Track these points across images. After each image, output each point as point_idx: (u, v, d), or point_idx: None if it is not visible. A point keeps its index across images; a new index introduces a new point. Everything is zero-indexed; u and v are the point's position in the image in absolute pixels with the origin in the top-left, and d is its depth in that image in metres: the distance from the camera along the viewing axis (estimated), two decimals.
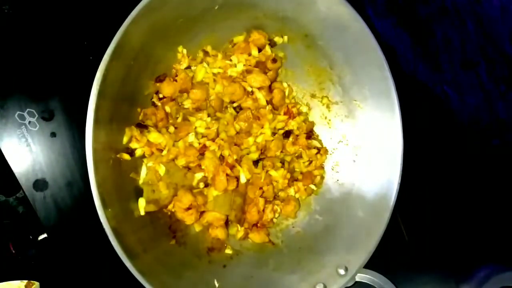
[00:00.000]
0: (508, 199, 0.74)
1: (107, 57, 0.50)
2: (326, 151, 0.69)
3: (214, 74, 0.65)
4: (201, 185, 0.63)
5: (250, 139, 0.64)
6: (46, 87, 0.64)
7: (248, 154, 0.65)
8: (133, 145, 0.59)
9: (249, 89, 0.65)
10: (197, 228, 0.63)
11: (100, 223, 0.50)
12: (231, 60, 0.65)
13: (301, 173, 0.69)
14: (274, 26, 0.65)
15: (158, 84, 0.62)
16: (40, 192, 0.63)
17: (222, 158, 0.62)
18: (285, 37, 0.66)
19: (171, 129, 0.62)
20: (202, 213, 0.63)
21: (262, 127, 0.65)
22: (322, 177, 0.69)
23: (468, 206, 0.74)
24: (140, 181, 0.59)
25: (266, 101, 0.66)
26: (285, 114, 0.67)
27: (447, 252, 0.71)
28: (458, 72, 0.76)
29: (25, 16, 0.65)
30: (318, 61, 0.67)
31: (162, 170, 0.60)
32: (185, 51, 0.64)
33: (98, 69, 0.50)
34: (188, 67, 0.65)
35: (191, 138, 0.62)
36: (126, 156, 0.57)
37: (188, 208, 0.61)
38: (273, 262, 0.64)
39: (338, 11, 0.58)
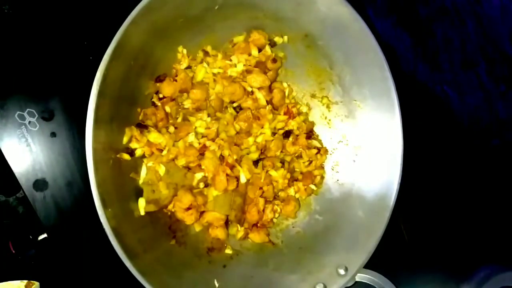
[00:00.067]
0: (508, 199, 0.74)
1: (107, 57, 0.50)
2: (326, 151, 0.69)
3: (214, 74, 0.65)
4: (201, 185, 0.63)
5: (250, 139, 0.64)
6: (46, 87, 0.64)
7: (248, 154, 0.65)
8: (133, 145, 0.59)
9: (249, 89, 0.65)
10: (197, 228, 0.63)
11: (100, 223, 0.50)
12: (231, 60, 0.65)
13: (301, 173, 0.69)
14: (274, 26, 0.65)
15: (158, 84, 0.62)
16: (40, 192, 0.63)
17: (222, 158, 0.62)
18: (285, 37, 0.66)
19: (171, 129, 0.62)
20: (202, 213, 0.63)
21: (262, 127, 0.65)
22: (322, 177, 0.69)
23: (468, 206, 0.74)
24: (140, 181, 0.59)
25: (266, 101, 0.66)
26: (285, 114, 0.67)
27: (447, 252, 0.71)
28: (458, 72, 0.76)
29: (25, 16, 0.65)
30: (318, 61, 0.67)
31: (162, 170, 0.60)
32: (185, 51, 0.64)
33: (98, 69, 0.50)
34: (188, 67, 0.65)
35: (191, 138, 0.62)
36: (126, 156, 0.57)
37: (188, 208, 0.61)
38: (273, 262, 0.64)
39: (338, 11, 0.58)
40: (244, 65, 0.65)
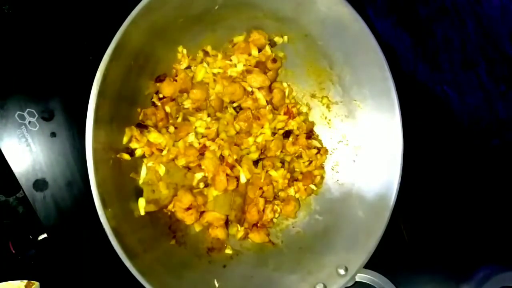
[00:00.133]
0: (508, 199, 0.74)
1: (107, 57, 0.50)
2: (326, 151, 0.69)
3: (214, 74, 0.65)
4: (201, 185, 0.63)
5: (250, 139, 0.64)
6: (46, 87, 0.64)
7: (248, 154, 0.65)
8: (133, 145, 0.59)
9: (249, 89, 0.65)
10: (197, 228, 0.63)
11: (100, 223, 0.50)
12: (231, 60, 0.65)
13: (301, 173, 0.69)
14: (274, 26, 0.65)
15: (158, 84, 0.62)
16: (40, 192, 0.63)
17: (222, 158, 0.62)
18: (285, 37, 0.66)
19: (171, 129, 0.62)
20: (202, 213, 0.63)
21: (262, 127, 0.65)
22: (322, 177, 0.69)
23: (468, 206, 0.74)
24: (140, 181, 0.59)
25: (266, 101, 0.66)
26: (285, 114, 0.67)
27: (447, 252, 0.71)
28: (458, 72, 0.76)
29: (25, 16, 0.65)
30: (318, 61, 0.67)
31: (162, 170, 0.60)
32: (185, 51, 0.64)
33: (98, 69, 0.50)
34: (188, 67, 0.65)
35: (191, 138, 0.62)
36: (126, 156, 0.57)
37: (188, 208, 0.61)
38: (273, 262, 0.64)
39: (338, 11, 0.58)
40: (244, 65, 0.65)
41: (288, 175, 0.67)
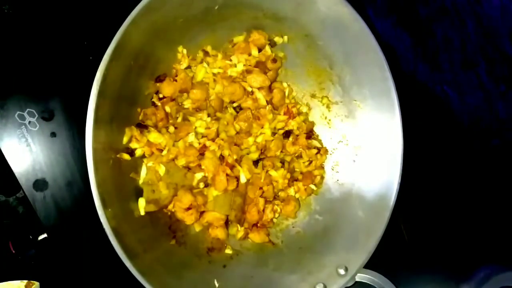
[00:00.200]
0: (508, 199, 0.74)
1: (107, 57, 0.50)
2: (326, 151, 0.69)
3: (214, 74, 0.65)
4: (201, 185, 0.63)
5: (250, 139, 0.64)
6: (46, 87, 0.64)
7: (248, 154, 0.65)
8: (133, 145, 0.59)
9: (249, 89, 0.65)
10: (197, 228, 0.63)
11: (100, 223, 0.50)
12: (231, 60, 0.65)
13: (301, 173, 0.69)
14: (274, 26, 0.65)
15: (158, 84, 0.62)
16: (40, 192, 0.63)
17: (222, 158, 0.62)
18: (285, 37, 0.66)
19: (171, 129, 0.62)
20: (202, 213, 0.63)
21: (262, 127, 0.65)
22: (322, 177, 0.69)
23: (468, 206, 0.74)
24: (140, 181, 0.59)
25: (266, 101, 0.66)
26: (285, 114, 0.67)
27: (447, 252, 0.71)
28: (458, 72, 0.76)
29: (25, 16, 0.65)
30: (318, 61, 0.67)
31: (162, 170, 0.60)
32: (185, 51, 0.64)
33: (98, 69, 0.50)
34: (188, 67, 0.65)
35: (191, 138, 0.62)
36: (126, 156, 0.57)
37: (188, 208, 0.61)
38: (273, 262, 0.64)
39: (338, 11, 0.58)
40: (244, 65, 0.65)
41: (288, 175, 0.67)
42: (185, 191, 0.60)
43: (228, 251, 0.64)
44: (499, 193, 0.75)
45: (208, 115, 0.64)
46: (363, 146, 0.66)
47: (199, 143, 0.62)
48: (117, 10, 0.54)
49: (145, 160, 0.60)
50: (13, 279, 0.60)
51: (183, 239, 0.62)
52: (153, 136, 0.59)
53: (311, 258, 0.63)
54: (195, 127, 0.62)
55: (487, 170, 0.76)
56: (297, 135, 0.68)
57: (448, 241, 0.72)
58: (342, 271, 0.58)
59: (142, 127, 0.59)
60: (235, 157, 0.62)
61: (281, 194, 0.68)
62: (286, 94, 0.68)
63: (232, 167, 0.62)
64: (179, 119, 0.63)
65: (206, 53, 0.65)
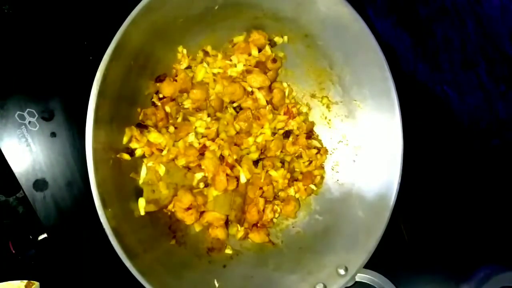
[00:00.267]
0: (508, 199, 0.74)
1: (107, 57, 0.50)
2: (326, 151, 0.69)
3: (214, 74, 0.65)
4: (201, 185, 0.63)
5: (250, 139, 0.64)
6: (46, 87, 0.64)
7: (248, 154, 0.65)
8: (133, 145, 0.59)
9: (249, 89, 0.65)
10: (197, 228, 0.63)
11: (100, 223, 0.50)
12: (231, 60, 0.65)
13: (301, 173, 0.69)
14: (274, 26, 0.65)
15: (158, 84, 0.62)
16: (40, 192, 0.63)
17: (222, 158, 0.62)
18: (285, 37, 0.66)
19: (171, 129, 0.62)
20: (202, 213, 0.63)
21: (262, 127, 0.65)
22: (322, 177, 0.69)
23: (468, 206, 0.74)
24: (140, 181, 0.59)
25: (266, 101, 0.66)
26: (285, 114, 0.67)
27: (447, 252, 0.71)
28: (458, 72, 0.76)
29: (25, 16, 0.65)
30: (318, 61, 0.67)
31: (162, 170, 0.60)
32: (185, 51, 0.64)
33: (98, 69, 0.50)
34: (188, 67, 0.65)
35: (191, 138, 0.62)
36: (126, 156, 0.57)
37: (188, 208, 0.61)
38: (273, 262, 0.64)
39: (338, 11, 0.58)
40: (244, 65, 0.65)
41: (288, 175, 0.67)
42: (185, 191, 0.60)
43: (228, 251, 0.64)
44: (499, 193, 0.75)
45: (208, 115, 0.64)
46: (363, 146, 0.66)
47: (199, 143, 0.62)
48: (117, 10, 0.54)
49: (145, 160, 0.60)
50: (13, 279, 0.60)
51: (183, 239, 0.62)
52: (153, 136, 0.59)
53: (311, 258, 0.63)
54: (195, 127, 0.62)
55: (487, 170, 0.76)
56: (297, 135, 0.68)
57: (448, 241, 0.72)
58: (342, 271, 0.58)
59: (142, 127, 0.59)
60: (235, 157, 0.62)
61: (281, 194, 0.68)
62: (286, 94, 0.68)
63: (232, 167, 0.62)
64: (179, 119, 0.63)
65: (206, 53, 0.65)
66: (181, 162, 0.60)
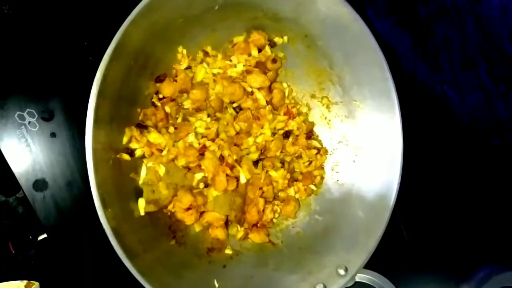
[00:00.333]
0: (508, 199, 0.74)
1: (107, 57, 0.50)
2: (326, 151, 0.69)
3: (214, 75, 0.65)
4: (201, 185, 0.63)
5: (250, 139, 0.64)
6: (46, 87, 0.64)
7: (248, 154, 0.65)
8: (133, 145, 0.59)
9: (249, 89, 0.65)
10: (197, 228, 0.63)
11: (100, 223, 0.50)
12: (231, 61, 0.65)
13: (301, 173, 0.69)
14: (274, 26, 0.65)
15: (158, 84, 0.62)
16: (40, 192, 0.63)
17: (222, 158, 0.62)
18: (285, 37, 0.66)
19: (171, 129, 0.62)
20: (202, 213, 0.63)
21: (262, 127, 0.65)
22: (322, 177, 0.69)
23: (468, 206, 0.74)
24: (140, 181, 0.59)
25: (266, 101, 0.66)
26: (285, 114, 0.67)
27: (447, 252, 0.71)
28: (458, 72, 0.76)
29: (25, 16, 0.65)
30: (318, 61, 0.67)
31: (162, 170, 0.60)
32: (185, 51, 0.64)
33: (98, 69, 0.50)
34: (188, 67, 0.65)
35: (191, 138, 0.62)
36: (126, 156, 0.57)
37: (188, 208, 0.61)
38: (273, 262, 0.64)
39: (338, 11, 0.58)
40: (244, 65, 0.65)
41: (288, 175, 0.67)
42: (185, 191, 0.60)
43: (228, 251, 0.64)
44: (499, 193, 0.75)
45: (208, 116, 0.64)
46: (363, 146, 0.66)
47: (199, 143, 0.62)
48: (117, 10, 0.54)
49: (145, 160, 0.60)
50: (13, 279, 0.60)
51: (183, 239, 0.62)
52: (153, 136, 0.59)
53: (311, 258, 0.63)
54: (195, 127, 0.62)
55: (487, 170, 0.76)
56: (297, 136, 0.68)
57: (448, 241, 0.72)
58: (342, 271, 0.58)
59: (142, 127, 0.59)
60: (235, 157, 0.62)
61: (281, 194, 0.68)
62: (286, 94, 0.68)
63: (232, 168, 0.62)
64: (179, 119, 0.63)
65: (206, 53, 0.65)
66: (181, 162, 0.60)
